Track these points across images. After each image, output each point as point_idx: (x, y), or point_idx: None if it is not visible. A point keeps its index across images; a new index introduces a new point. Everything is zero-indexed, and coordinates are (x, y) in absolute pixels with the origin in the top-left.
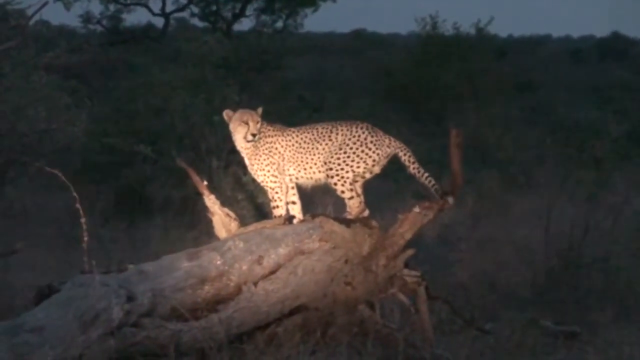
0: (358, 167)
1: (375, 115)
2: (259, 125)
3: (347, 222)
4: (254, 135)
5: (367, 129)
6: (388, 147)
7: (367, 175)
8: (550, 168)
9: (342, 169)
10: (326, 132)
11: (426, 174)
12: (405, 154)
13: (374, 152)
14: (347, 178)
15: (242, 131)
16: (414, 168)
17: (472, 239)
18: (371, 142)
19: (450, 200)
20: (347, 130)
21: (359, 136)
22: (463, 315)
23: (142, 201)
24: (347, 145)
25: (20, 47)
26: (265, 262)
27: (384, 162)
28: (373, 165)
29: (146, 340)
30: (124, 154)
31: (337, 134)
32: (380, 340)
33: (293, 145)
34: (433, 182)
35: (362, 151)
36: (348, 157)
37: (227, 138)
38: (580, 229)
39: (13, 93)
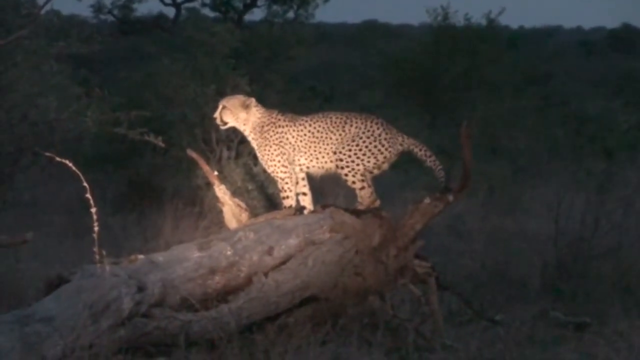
0: (369, 161)
1: (385, 106)
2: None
3: (358, 213)
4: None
5: (381, 125)
6: (400, 145)
7: (375, 172)
8: (560, 159)
9: (352, 161)
10: (340, 123)
11: (440, 167)
12: (420, 150)
13: (386, 149)
14: (358, 170)
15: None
16: (431, 161)
17: (482, 230)
18: (385, 139)
19: (450, 197)
20: (362, 123)
21: (374, 132)
22: (473, 306)
23: (153, 191)
24: (361, 138)
25: (32, 37)
26: (275, 252)
27: (393, 159)
28: (383, 162)
29: (156, 330)
30: (134, 143)
31: (350, 125)
32: (391, 330)
33: (305, 134)
34: (442, 177)
35: (375, 147)
36: (360, 150)
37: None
38: (590, 220)
39: (24, 82)
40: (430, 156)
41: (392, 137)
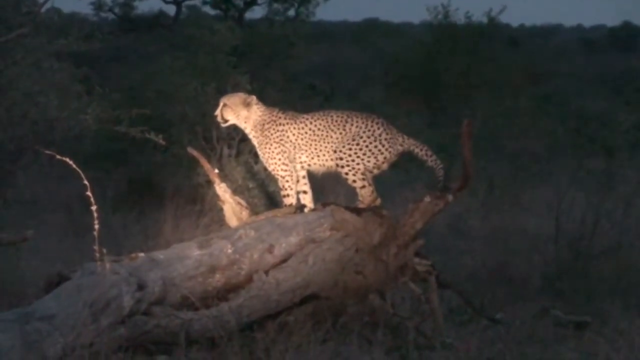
0: (369, 161)
1: (386, 104)
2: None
3: (358, 211)
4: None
5: (382, 125)
6: (401, 145)
7: (375, 171)
8: (561, 158)
9: (352, 160)
10: (341, 121)
11: (440, 166)
12: (421, 150)
13: (386, 149)
14: (358, 170)
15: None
16: (432, 161)
17: (482, 228)
18: (385, 139)
19: (450, 196)
20: (363, 123)
21: (374, 131)
22: (473, 304)
23: (153, 189)
24: (361, 138)
25: (32, 34)
26: (276, 250)
27: (393, 159)
28: (383, 162)
29: (157, 328)
30: (134, 141)
31: (351, 124)
32: (391, 329)
33: (307, 132)
34: (441, 176)
35: (375, 147)
36: (360, 149)
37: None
38: (591, 219)
39: (24, 80)
40: (430, 155)
41: (393, 138)
